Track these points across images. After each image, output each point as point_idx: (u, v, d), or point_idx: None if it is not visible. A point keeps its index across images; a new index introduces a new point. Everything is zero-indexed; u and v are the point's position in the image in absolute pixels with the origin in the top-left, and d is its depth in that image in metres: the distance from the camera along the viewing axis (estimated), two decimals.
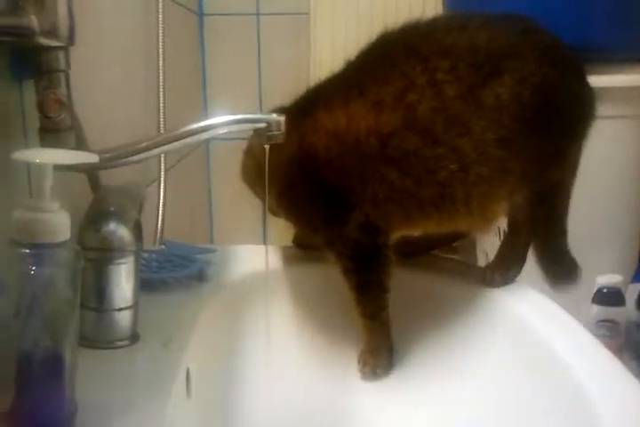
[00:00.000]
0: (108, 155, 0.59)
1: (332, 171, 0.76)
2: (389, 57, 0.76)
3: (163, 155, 1.07)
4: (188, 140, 0.61)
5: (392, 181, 0.74)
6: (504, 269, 0.81)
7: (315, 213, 0.79)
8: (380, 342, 0.79)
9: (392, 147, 0.73)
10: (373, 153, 0.74)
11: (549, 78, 0.75)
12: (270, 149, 0.68)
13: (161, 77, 1.07)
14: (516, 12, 0.78)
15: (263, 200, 0.81)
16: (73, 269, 0.48)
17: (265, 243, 1.75)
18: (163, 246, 0.90)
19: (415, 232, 0.85)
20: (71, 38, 0.62)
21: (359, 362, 0.80)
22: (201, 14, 1.71)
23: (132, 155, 0.60)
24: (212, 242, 1.79)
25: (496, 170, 0.74)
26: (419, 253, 0.89)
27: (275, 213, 0.84)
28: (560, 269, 0.84)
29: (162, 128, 1.05)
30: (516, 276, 0.82)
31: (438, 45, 0.74)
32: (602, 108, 0.80)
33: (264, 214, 0.80)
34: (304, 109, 0.77)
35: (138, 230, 0.65)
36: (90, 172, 0.69)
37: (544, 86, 0.74)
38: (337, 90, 0.77)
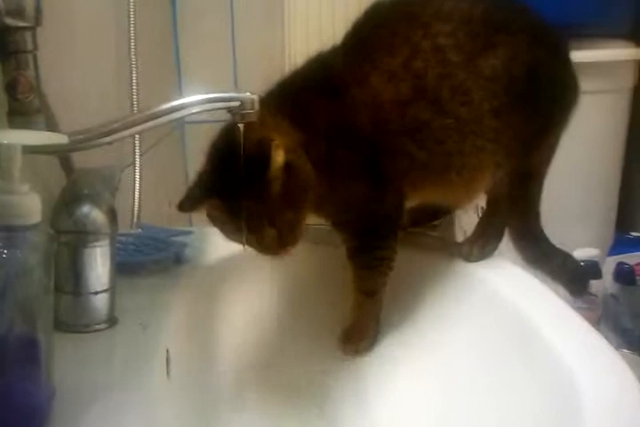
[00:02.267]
0: (78, 136, 0.58)
1: (369, 145, 0.74)
2: (389, 26, 0.75)
3: (137, 137, 1.05)
4: (161, 120, 0.60)
5: (412, 153, 0.74)
6: (482, 244, 0.82)
7: (354, 192, 0.75)
8: (370, 320, 0.79)
9: (409, 117, 0.73)
10: (396, 125, 0.73)
11: (538, 59, 0.76)
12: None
13: (133, 58, 1.06)
14: None
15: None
16: (46, 252, 0.48)
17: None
18: (139, 230, 0.89)
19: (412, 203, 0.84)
20: (38, 18, 0.61)
21: (342, 338, 0.79)
22: None
23: (103, 136, 0.59)
24: (190, 224, 1.78)
25: (489, 140, 0.75)
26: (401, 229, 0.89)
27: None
28: (536, 251, 0.84)
29: (135, 110, 1.04)
30: (493, 250, 0.82)
31: (436, 12, 0.74)
32: (581, 83, 0.81)
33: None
34: (321, 87, 0.74)
35: (112, 213, 0.65)
36: (61, 154, 0.68)
37: (533, 65, 0.75)
38: (350, 65, 0.74)
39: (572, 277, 0.87)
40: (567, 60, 0.81)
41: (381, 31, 0.75)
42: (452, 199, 0.83)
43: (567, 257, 0.87)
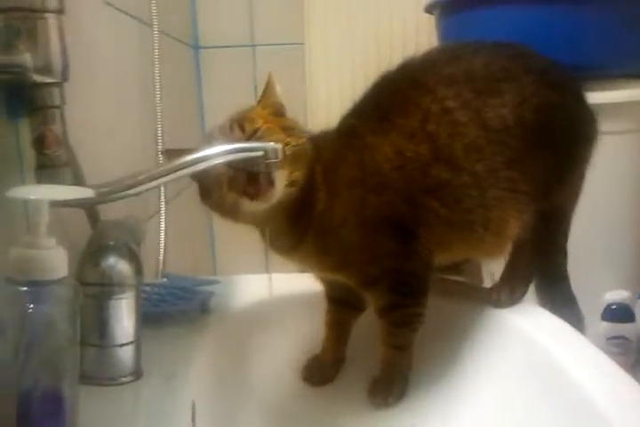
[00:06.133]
0: (105, 189, 0.59)
1: (396, 197, 0.74)
2: (399, 93, 0.77)
3: (162, 187, 1.06)
4: (186, 171, 0.60)
5: (435, 209, 0.74)
6: (510, 290, 0.81)
7: (381, 244, 0.74)
8: (399, 372, 0.77)
9: (431, 177, 0.73)
10: (419, 183, 0.73)
11: (548, 100, 0.76)
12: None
13: (158, 111, 1.07)
14: (510, 38, 0.78)
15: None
16: (72, 306, 0.48)
17: (268, 271, 1.74)
18: (164, 279, 0.89)
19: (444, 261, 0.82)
20: (65, 74, 0.62)
21: (371, 390, 0.78)
22: (196, 47, 1.72)
23: (130, 188, 0.59)
24: (215, 273, 1.78)
25: (508, 191, 0.74)
26: None
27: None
28: (557, 297, 0.84)
29: (160, 161, 1.05)
30: (522, 295, 0.81)
31: (439, 76, 0.76)
32: (601, 124, 0.80)
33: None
34: (348, 143, 0.75)
35: (137, 264, 0.64)
36: (88, 207, 0.68)
37: (544, 107, 0.75)
38: (371, 124, 0.75)
39: None
40: (579, 96, 0.80)
41: (392, 97, 0.77)
42: (483, 253, 0.82)
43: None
